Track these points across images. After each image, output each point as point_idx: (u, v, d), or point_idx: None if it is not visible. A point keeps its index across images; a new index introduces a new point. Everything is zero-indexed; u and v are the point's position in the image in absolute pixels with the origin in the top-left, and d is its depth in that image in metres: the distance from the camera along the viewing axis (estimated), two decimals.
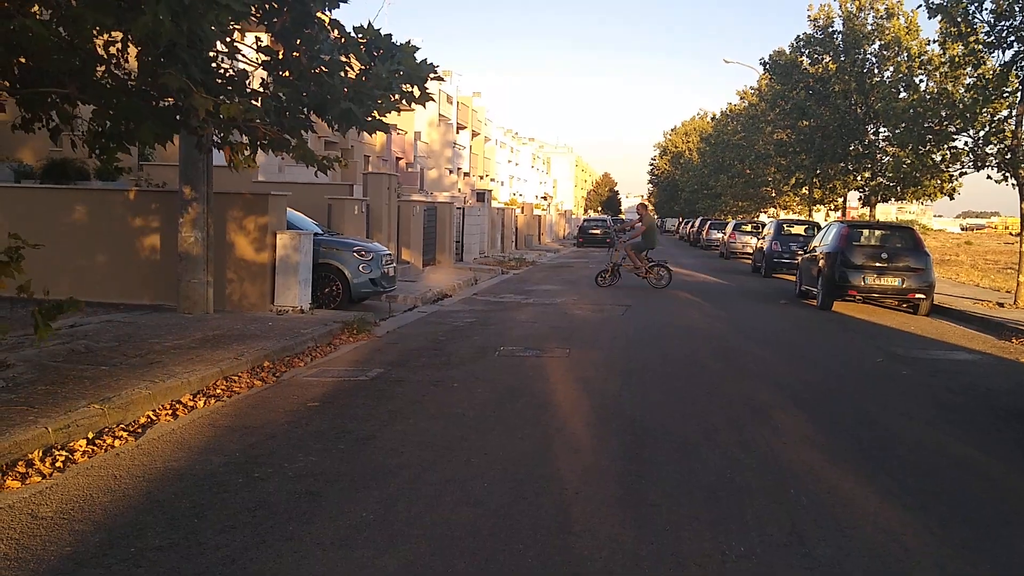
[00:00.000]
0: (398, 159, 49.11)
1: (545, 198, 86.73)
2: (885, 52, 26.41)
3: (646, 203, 23.00)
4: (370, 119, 7.34)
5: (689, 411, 7.42)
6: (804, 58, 29.52)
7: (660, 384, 8.60)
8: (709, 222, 49.87)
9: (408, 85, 7.62)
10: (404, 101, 7.53)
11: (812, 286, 17.57)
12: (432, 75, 7.38)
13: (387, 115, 7.66)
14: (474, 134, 71.43)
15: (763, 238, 27.98)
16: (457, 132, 64.33)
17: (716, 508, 4.97)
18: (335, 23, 7.47)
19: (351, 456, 5.82)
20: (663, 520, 4.75)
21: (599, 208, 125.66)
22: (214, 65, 7.77)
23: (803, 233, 26.68)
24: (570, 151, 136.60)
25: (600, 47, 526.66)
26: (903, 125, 20.03)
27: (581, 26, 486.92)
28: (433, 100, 7.70)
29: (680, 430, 6.75)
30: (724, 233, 40.47)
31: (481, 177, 72.23)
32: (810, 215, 39.22)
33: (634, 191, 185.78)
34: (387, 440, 6.25)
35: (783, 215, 45.56)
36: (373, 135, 8.53)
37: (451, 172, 60.54)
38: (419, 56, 7.55)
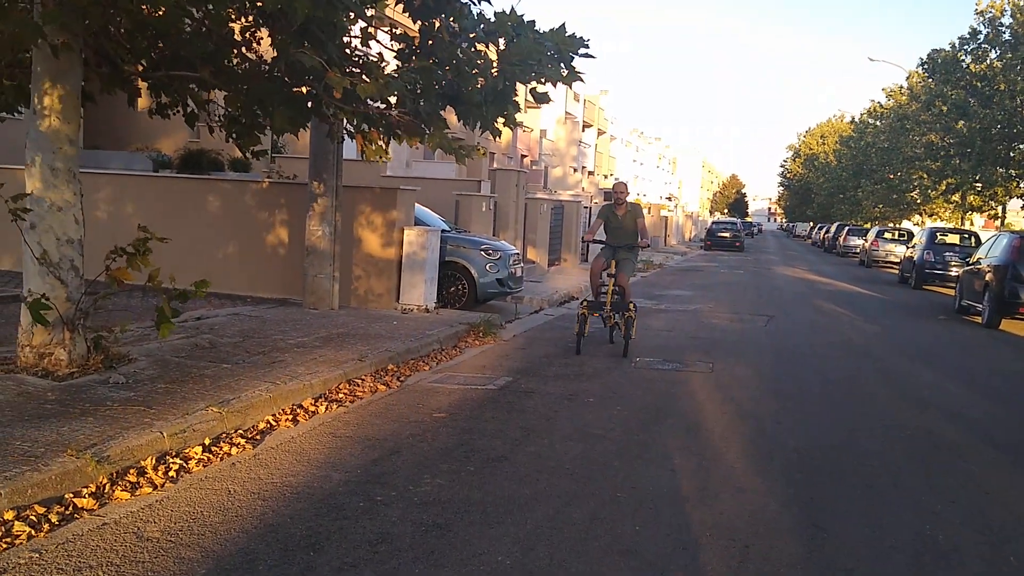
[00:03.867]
0: (523, 156, 48.75)
1: (670, 199, 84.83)
2: None
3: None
4: (517, 107, 6.74)
5: (863, 446, 6.47)
6: (967, 56, 27.40)
7: (823, 411, 7.65)
8: (847, 228, 47.40)
9: (553, 65, 6.98)
10: (552, 80, 6.88)
11: (976, 301, 16.00)
12: (582, 50, 6.68)
13: (538, 89, 7.04)
14: (600, 132, 70.46)
15: (913, 247, 26.06)
16: (583, 130, 63.51)
17: None
18: None
19: (482, 481, 5.20)
20: None
21: (725, 210, 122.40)
22: (347, 51, 7.35)
23: (958, 243, 24.74)
24: (697, 151, 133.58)
25: (732, 46, 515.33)
26: None
27: (714, 23, 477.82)
28: (583, 80, 7.02)
29: (857, 470, 5.83)
30: (865, 240, 38.22)
31: (605, 176, 71.18)
32: (961, 223, 36.68)
33: (762, 193, 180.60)
34: (520, 463, 5.60)
35: (929, 222, 42.82)
36: (512, 128, 8.03)
37: (575, 171, 59.80)
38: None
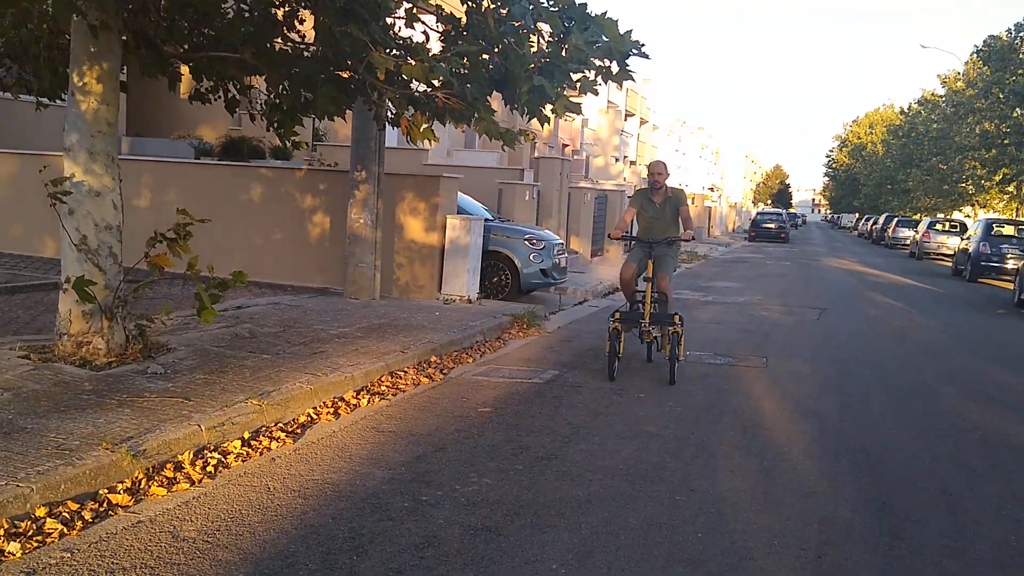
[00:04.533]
0: (564, 146, 48.34)
1: (712, 189, 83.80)
2: None
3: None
4: (561, 96, 6.45)
5: (934, 448, 6.10)
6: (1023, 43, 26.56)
7: (887, 409, 7.26)
8: (896, 219, 46.30)
9: (605, 60, 6.67)
10: (600, 78, 6.59)
11: None
12: (635, 51, 6.38)
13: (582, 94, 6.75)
14: (642, 121, 69.64)
15: (967, 238, 25.27)
16: (625, 119, 62.82)
17: None
18: None
19: (531, 481, 4.94)
20: None
21: (769, 201, 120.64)
22: (392, 34, 7.11)
23: (1015, 234, 23.92)
24: (740, 141, 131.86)
25: (778, 34, 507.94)
26: None
27: (760, 11, 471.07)
28: (633, 79, 6.72)
29: (930, 473, 5.48)
30: (916, 231, 37.24)
31: (647, 166, 70.40)
32: (1016, 214, 35.63)
33: (806, 184, 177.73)
34: (571, 462, 5.33)
35: (981, 213, 41.66)
36: (558, 120, 7.65)
37: (617, 160, 59.22)
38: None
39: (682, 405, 6.94)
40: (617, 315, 7.89)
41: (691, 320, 11.82)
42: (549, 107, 7.25)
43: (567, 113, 7.09)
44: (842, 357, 9.71)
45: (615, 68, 6.81)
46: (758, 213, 52.08)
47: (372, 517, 4.27)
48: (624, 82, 6.96)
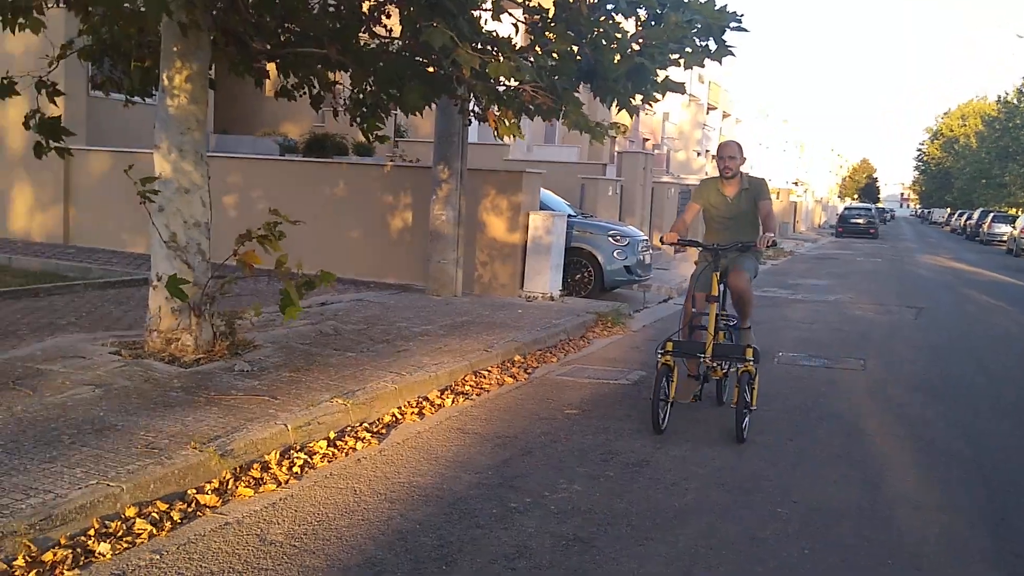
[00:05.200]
0: (645, 140, 47.69)
1: (797, 183, 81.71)
2: None
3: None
4: (662, 79, 6.22)
5: None
6: None
7: (997, 415, 6.82)
8: (992, 214, 44.36)
9: (701, 40, 6.42)
10: (698, 57, 6.34)
11: None
12: (735, 24, 6.11)
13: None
14: (724, 115, 68.33)
15: None
16: (707, 113, 61.75)
17: None
18: None
19: (623, 488, 4.75)
20: None
21: (856, 196, 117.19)
22: (478, 26, 6.97)
23: None
24: (825, 134, 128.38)
25: (863, 24, 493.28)
26: None
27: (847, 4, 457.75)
28: (733, 55, 6.43)
29: None
30: (1014, 227, 35.57)
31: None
32: None
33: (894, 178, 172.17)
34: (664, 468, 5.12)
35: None
36: (639, 113, 7.45)
37: (699, 155, 58.25)
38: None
39: (778, 410, 6.64)
40: (668, 345, 5.87)
41: (781, 319, 11.46)
42: (641, 96, 7.02)
43: (669, 92, 6.85)
44: (945, 359, 9.22)
45: (713, 46, 6.55)
46: (846, 208, 50.53)
47: (460, 524, 4.14)
48: (705, 70, 6.71)
